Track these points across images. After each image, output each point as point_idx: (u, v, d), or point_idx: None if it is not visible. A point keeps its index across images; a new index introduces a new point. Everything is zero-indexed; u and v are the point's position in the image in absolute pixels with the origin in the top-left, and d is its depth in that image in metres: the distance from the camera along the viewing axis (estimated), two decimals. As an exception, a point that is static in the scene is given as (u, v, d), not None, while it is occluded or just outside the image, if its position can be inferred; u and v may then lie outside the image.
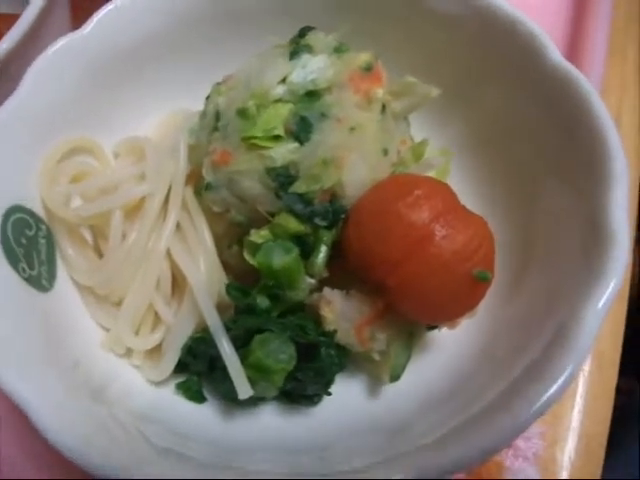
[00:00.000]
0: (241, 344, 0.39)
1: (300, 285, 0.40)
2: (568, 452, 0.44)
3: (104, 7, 0.47)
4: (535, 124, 0.44)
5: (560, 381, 0.31)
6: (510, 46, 0.44)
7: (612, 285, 0.33)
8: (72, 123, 0.46)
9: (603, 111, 0.39)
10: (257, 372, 0.38)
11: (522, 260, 0.43)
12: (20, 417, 0.43)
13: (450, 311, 0.38)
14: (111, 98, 0.49)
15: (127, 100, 0.50)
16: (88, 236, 0.47)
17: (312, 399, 0.42)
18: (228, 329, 0.38)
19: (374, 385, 0.43)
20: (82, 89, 0.46)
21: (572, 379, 0.31)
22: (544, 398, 0.30)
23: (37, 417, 0.32)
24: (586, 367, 0.47)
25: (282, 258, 0.38)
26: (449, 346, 0.43)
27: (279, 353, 0.37)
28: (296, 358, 0.38)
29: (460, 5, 0.46)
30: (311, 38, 0.43)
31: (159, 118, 0.51)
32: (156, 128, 0.51)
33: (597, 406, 0.46)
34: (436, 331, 0.42)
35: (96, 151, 0.48)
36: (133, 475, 0.30)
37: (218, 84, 0.44)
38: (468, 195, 0.43)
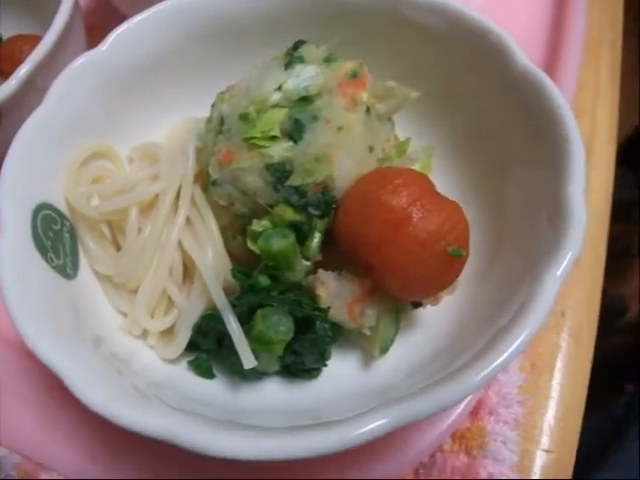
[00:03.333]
0: (245, 320, 0.43)
1: (297, 267, 0.44)
2: (548, 419, 0.48)
3: (119, 27, 0.52)
4: (507, 121, 0.48)
5: (516, 344, 0.35)
6: (482, 53, 0.49)
7: (569, 256, 0.38)
8: (91, 131, 0.51)
9: (564, 105, 0.44)
10: (260, 344, 0.42)
11: (495, 241, 0.47)
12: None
13: (430, 286, 0.43)
14: (127, 108, 0.54)
15: (141, 110, 0.55)
16: (107, 232, 0.52)
17: (311, 373, 0.47)
18: (233, 306, 0.43)
19: (365, 359, 0.47)
20: (101, 100, 0.52)
21: (528, 343, 0.35)
22: (501, 359, 0.34)
23: (70, 379, 0.36)
24: (564, 344, 0.52)
25: (280, 242, 0.43)
26: (431, 321, 0.47)
27: (279, 325, 0.42)
28: (294, 330, 0.42)
29: (438, 18, 0.51)
30: (303, 50, 0.48)
31: (170, 126, 0.57)
32: (168, 135, 0.57)
33: (574, 379, 0.50)
34: (421, 308, 0.47)
35: (112, 156, 0.53)
36: (155, 425, 0.34)
37: (222, 93, 0.50)
38: (447, 186, 0.48)
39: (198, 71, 0.57)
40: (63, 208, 0.49)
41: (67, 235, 0.48)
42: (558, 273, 0.37)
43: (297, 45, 0.49)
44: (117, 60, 0.52)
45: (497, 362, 0.35)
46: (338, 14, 0.54)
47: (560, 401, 0.49)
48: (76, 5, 0.60)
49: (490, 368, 0.34)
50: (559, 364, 0.51)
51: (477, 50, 0.50)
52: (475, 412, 0.47)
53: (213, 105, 0.50)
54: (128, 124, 0.55)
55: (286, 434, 0.35)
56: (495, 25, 0.48)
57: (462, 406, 0.46)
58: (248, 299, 0.43)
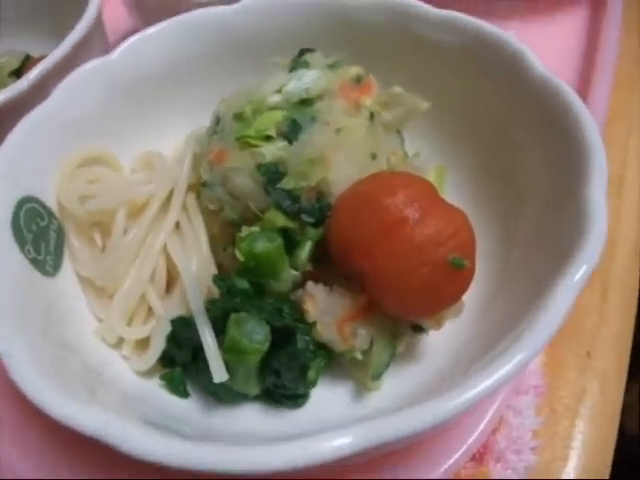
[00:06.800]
0: (220, 329, 0.39)
1: (282, 275, 0.41)
2: (567, 473, 0.41)
3: (131, 37, 0.53)
4: (527, 134, 0.45)
5: (506, 368, 0.30)
6: (498, 63, 0.47)
7: (585, 265, 0.33)
8: (93, 135, 0.50)
9: (586, 115, 0.40)
10: (232, 353, 0.38)
11: (507, 264, 0.43)
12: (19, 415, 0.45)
13: (429, 302, 0.38)
14: (132, 117, 0.53)
15: (148, 120, 0.54)
16: (98, 238, 0.49)
17: (296, 401, 0.42)
18: (207, 310, 0.39)
19: (356, 389, 0.42)
20: (106, 106, 0.51)
21: (525, 366, 0.31)
22: (484, 384, 0.30)
23: (11, 362, 0.33)
24: (589, 387, 0.45)
25: (264, 244, 0.39)
26: (433, 348, 0.42)
27: (253, 333, 0.37)
28: (271, 341, 0.38)
29: (453, 34, 0.49)
30: (309, 56, 0.47)
31: (177, 139, 0.55)
32: (174, 147, 0.55)
33: (599, 428, 0.43)
34: (423, 335, 0.42)
35: (113, 163, 0.52)
36: (127, 436, 0.30)
37: (224, 99, 0.48)
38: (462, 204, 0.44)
39: (207, 84, 0.56)
40: (54, 207, 0.47)
41: (54, 234, 0.46)
42: (574, 280, 0.32)
43: (303, 52, 0.47)
44: (125, 68, 0.52)
45: (478, 389, 0.29)
46: (350, 31, 0.53)
47: (582, 453, 0.42)
48: (98, 22, 0.61)
49: (468, 395, 0.29)
50: (582, 410, 0.44)
51: (493, 61, 0.47)
52: (480, 458, 0.41)
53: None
54: (133, 133, 0.54)
55: (238, 447, 0.30)
56: (511, 37, 0.46)
57: (462, 448, 0.39)
58: (223, 303, 0.39)
